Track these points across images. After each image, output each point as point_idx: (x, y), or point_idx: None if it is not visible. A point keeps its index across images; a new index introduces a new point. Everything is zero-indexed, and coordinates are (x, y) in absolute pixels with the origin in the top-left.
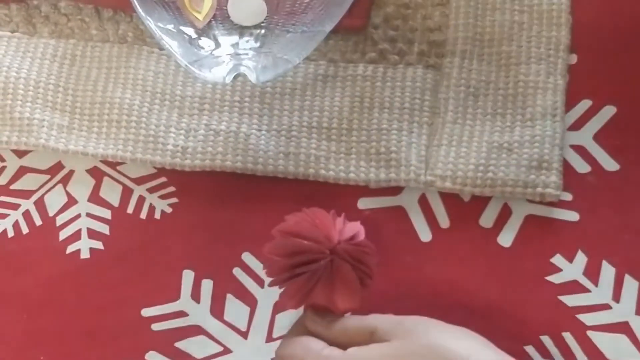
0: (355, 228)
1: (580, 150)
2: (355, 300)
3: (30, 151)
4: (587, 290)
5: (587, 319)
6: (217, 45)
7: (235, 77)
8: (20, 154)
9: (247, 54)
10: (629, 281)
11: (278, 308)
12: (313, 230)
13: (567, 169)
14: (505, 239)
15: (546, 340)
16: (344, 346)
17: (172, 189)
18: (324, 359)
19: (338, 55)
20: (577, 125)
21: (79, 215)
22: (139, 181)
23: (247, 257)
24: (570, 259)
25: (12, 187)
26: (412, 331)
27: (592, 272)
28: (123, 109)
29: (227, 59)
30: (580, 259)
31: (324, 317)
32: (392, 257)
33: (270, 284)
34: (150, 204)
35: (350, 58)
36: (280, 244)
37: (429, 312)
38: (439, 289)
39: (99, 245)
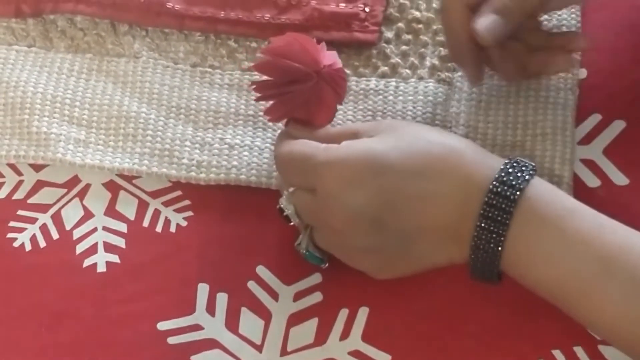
0: (334, 56)
1: (590, 164)
2: (331, 118)
3: (47, 165)
4: None
5: None
6: None
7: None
8: (37, 168)
9: None
10: None
11: (292, 321)
12: (303, 54)
13: (577, 183)
14: None
15: (557, 354)
16: None
17: (187, 202)
18: (322, 149)
19: (351, 70)
20: (587, 140)
21: (95, 229)
22: (155, 194)
23: (262, 271)
24: None
25: (29, 200)
26: (393, 127)
27: None
28: (139, 123)
29: None
30: None
31: (307, 127)
32: None
33: (257, 99)
34: (166, 217)
35: (363, 72)
36: (271, 64)
37: (440, 321)
38: (451, 299)
39: (115, 258)
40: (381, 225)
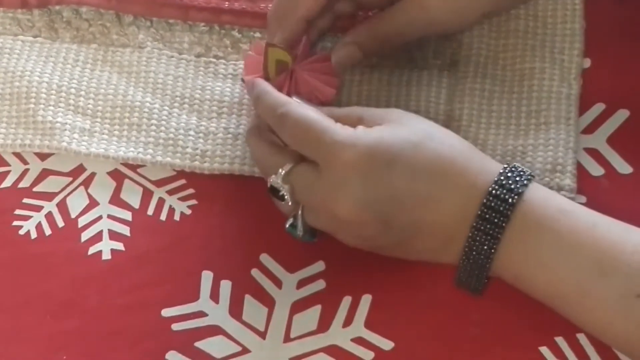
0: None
1: (593, 153)
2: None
3: (52, 154)
4: None
5: None
6: None
7: None
8: (42, 157)
9: None
10: None
11: (295, 309)
12: None
13: (580, 172)
14: None
15: (560, 341)
16: None
17: (191, 191)
18: (339, 127)
19: None
20: (590, 129)
21: (100, 217)
22: (159, 183)
23: (265, 259)
24: None
25: (34, 189)
26: (404, 120)
27: None
28: (143, 113)
29: None
30: None
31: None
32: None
33: None
34: (170, 206)
35: (368, 62)
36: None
37: (443, 309)
38: (454, 287)
39: (119, 246)
40: (384, 221)
